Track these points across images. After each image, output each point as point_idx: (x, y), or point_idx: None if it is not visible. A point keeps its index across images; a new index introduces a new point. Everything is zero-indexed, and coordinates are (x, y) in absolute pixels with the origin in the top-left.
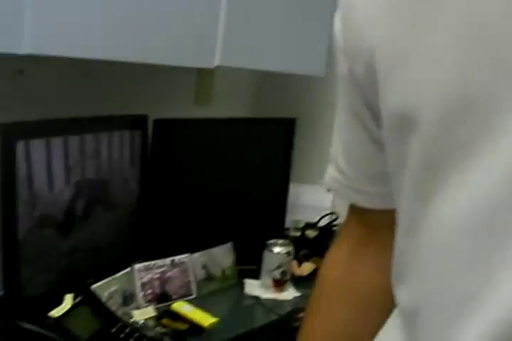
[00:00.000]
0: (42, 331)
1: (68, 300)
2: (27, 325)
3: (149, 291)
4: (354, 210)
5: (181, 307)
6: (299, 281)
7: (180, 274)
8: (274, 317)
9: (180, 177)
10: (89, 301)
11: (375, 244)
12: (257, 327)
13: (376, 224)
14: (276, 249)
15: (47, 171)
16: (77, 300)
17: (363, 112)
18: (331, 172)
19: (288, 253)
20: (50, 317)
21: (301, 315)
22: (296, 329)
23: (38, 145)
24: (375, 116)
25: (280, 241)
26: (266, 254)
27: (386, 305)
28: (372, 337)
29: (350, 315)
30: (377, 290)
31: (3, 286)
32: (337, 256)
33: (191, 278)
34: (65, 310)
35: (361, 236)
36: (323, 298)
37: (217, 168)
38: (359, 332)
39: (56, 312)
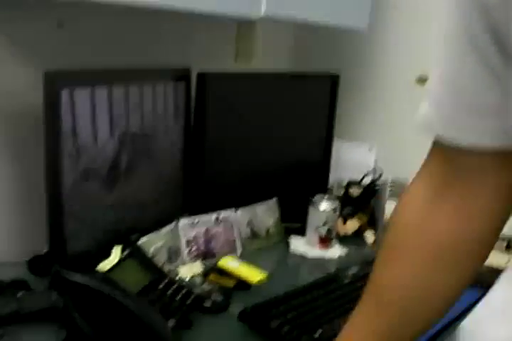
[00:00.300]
0: (91, 284)
1: (116, 253)
2: (76, 278)
3: (194, 248)
4: (442, 150)
5: (228, 263)
6: (343, 240)
7: (225, 231)
8: (320, 275)
9: (223, 132)
10: (136, 256)
11: (461, 189)
12: (304, 284)
13: (467, 167)
14: (322, 206)
15: (91, 122)
16: (124, 254)
17: (484, 43)
18: (425, 109)
19: (334, 209)
20: (98, 271)
21: (350, 271)
22: (345, 286)
23: (82, 95)
24: (503, 49)
25: (326, 197)
26: (311, 211)
27: (470, 259)
28: (447, 295)
29: (426, 267)
30: (461, 241)
31: (48, 242)
32: (415, 199)
33: (236, 235)
34: (113, 263)
35: (447, 178)
36: (396, 245)
37: (260, 124)
38: (433, 287)
39: (104, 266)
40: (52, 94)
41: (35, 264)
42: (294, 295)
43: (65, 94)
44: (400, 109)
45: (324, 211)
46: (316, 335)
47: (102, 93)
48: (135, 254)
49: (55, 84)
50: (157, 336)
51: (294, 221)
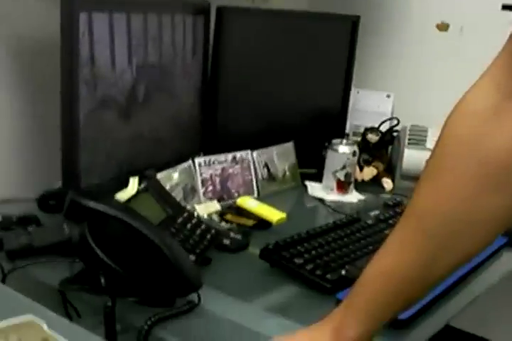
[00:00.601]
0: (110, 211)
1: (133, 184)
2: (94, 205)
3: (210, 188)
4: None
5: (247, 202)
6: (360, 186)
7: (242, 171)
8: (340, 217)
9: (240, 71)
10: (153, 190)
11: None
12: (326, 223)
13: None
14: (341, 149)
15: (109, 49)
16: (141, 187)
17: None
18: None
19: (353, 153)
20: (116, 200)
21: (372, 213)
22: (369, 227)
23: (100, 19)
24: None
25: (344, 141)
26: (329, 154)
27: None
28: (493, 224)
29: (477, 188)
30: None
31: (61, 175)
32: (474, 110)
33: (252, 176)
34: (131, 194)
35: None
36: (446, 162)
37: (278, 65)
38: (481, 212)
39: (121, 197)
40: (69, 17)
41: (45, 201)
42: (316, 234)
43: (82, 17)
44: (420, 55)
45: (343, 154)
46: (342, 273)
47: (120, 19)
48: (152, 188)
49: (72, 7)
50: (180, 269)
51: (310, 167)
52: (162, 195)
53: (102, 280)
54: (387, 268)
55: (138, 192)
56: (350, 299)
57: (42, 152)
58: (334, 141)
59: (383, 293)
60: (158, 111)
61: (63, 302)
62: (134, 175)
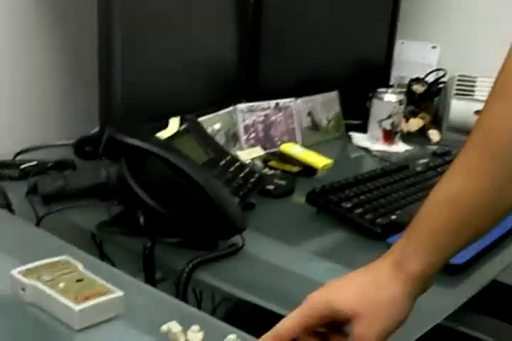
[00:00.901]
0: (151, 148)
1: (174, 124)
2: (134, 141)
3: (253, 135)
4: None
5: (291, 148)
6: (406, 138)
7: (285, 119)
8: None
9: (285, 17)
10: (194, 131)
11: None
12: (375, 169)
13: None
14: (387, 97)
15: None
16: (182, 128)
17: None
18: None
19: (400, 101)
20: (157, 138)
21: (421, 161)
22: (418, 175)
23: None
24: None
25: (391, 90)
26: (375, 103)
27: None
28: None
29: None
30: None
31: (98, 117)
32: None
33: (296, 124)
34: (171, 133)
35: None
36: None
37: (323, 13)
38: None
39: (161, 136)
40: None
41: (82, 147)
42: (365, 179)
43: None
44: (467, 5)
45: (389, 102)
46: (392, 218)
47: None
48: (193, 130)
49: None
50: (224, 209)
51: (354, 118)
52: (204, 138)
53: (141, 219)
54: (453, 196)
55: (178, 133)
56: (412, 230)
57: (80, 96)
58: (380, 89)
59: (449, 222)
60: (200, 53)
61: (99, 248)
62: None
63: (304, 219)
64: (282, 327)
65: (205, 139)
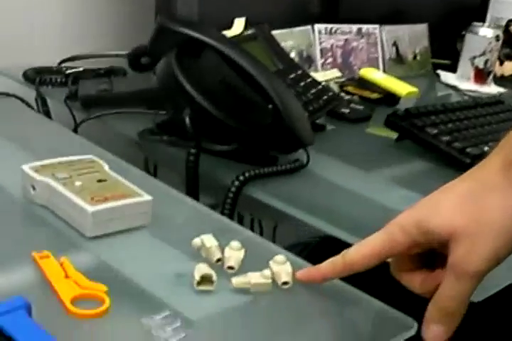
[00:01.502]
0: (208, 40)
1: (239, 25)
2: (188, 31)
3: (329, 60)
4: None
5: (372, 73)
6: (499, 82)
7: (367, 47)
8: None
9: None
10: (263, 39)
11: None
12: (464, 101)
13: None
14: (482, 31)
15: None
16: (249, 32)
17: None
18: None
19: (496, 37)
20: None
21: None
22: None
23: None
24: None
25: (487, 24)
26: (468, 38)
27: None
28: None
29: None
30: None
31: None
32: None
33: (379, 53)
34: (234, 33)
35: None
36: None
37: None
38: None
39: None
40: None
41: (137, 58)
42: (454, 108)
43: None
44: None
45: (484, 37)
46: (485, 149)
47: None
48: (262, 37)
49: None
50: (288, 119)
51: (443, 58)
52: (273, 47)
53: (187, 120)
54: None
55: (244, 37)
56: None
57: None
58: (475, 23)
59: None
60: None
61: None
62: None
63: (380, 147)
64: (356, 252)
65: (275, 49)
